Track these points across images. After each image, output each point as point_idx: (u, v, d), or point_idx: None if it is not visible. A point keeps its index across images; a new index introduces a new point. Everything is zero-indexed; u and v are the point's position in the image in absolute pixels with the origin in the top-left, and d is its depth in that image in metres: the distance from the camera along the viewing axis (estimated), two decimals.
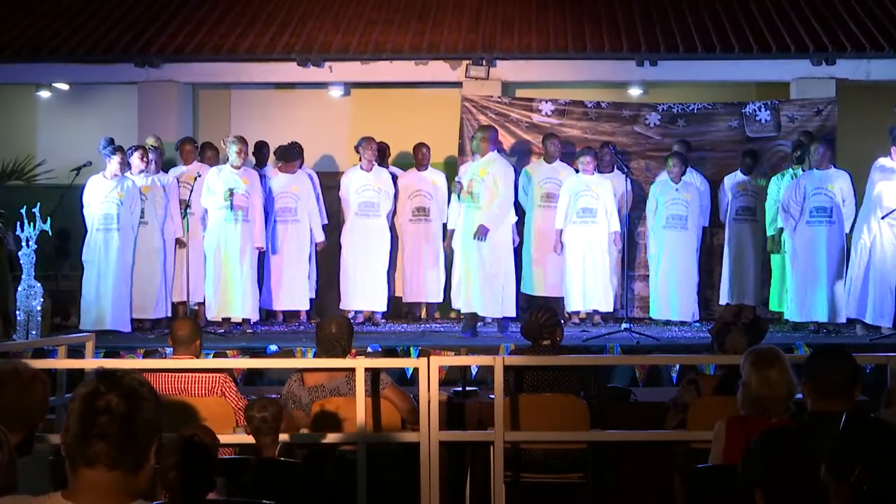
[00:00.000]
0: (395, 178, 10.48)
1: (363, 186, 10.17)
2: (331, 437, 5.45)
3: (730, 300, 10.26)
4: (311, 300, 10.29)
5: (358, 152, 10.29)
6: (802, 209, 9.31)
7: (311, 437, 5.42)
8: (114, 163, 9.45)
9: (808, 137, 10.13)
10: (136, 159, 9.69)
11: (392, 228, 10.41)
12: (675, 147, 10.44)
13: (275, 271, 10.08)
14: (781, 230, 9.76)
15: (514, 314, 9.13)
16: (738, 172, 10.42)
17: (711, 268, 10.57)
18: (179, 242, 9.81)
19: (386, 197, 10.21)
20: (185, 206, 9.57)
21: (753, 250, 10.33)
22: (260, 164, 10.35)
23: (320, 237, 10.20)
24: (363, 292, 10.10)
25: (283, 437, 5.02)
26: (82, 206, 9.55)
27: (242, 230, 9.55)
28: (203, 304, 9.86)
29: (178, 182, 10.07)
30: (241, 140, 9.66)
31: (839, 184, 9.33)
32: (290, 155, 10.14)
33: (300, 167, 10.33)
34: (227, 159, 9.73)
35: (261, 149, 10.45)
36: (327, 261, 10.48)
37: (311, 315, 10.27)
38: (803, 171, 9.70)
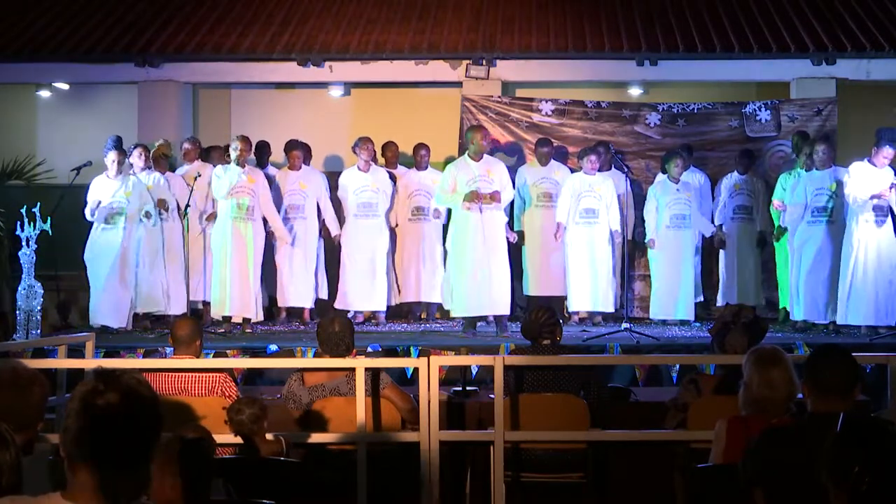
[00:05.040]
0: (393, 177, 10.47)
1: (362, 187, 10.16)
2: (331, 437, 5.46)
3: (728, 300, 10.25)
4: (316, 299, 10.26)
5: (355, 153, 10.29)
6: (805, 208, 9.31)
7: (311, 437, 5.42)
8: (108, 160, 9.44)
9: (804, 138, 10.10)
10: (136, 158, 9.70)
11: (391, 228, 10.40)
12: (678, 150, 10.41)
13: (282, 268, 10.07)
14: (784, 229, 9.75)
15: (508, 312, 9.08)
16: (735, 172, 10.42)
17: (711, 267, 10.57)
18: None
19: (384, 197, 10.21)
20: (186, 206, 9.56)
21: (751, 249, 10.33)
22: (261, 164, 10.34)
23: (336, 230, 10.11)
24: (363, 292, 10.09)
25: (269, 435, 5.00)
26: (85, 204, 9.51)
27: (247, 229, 9.53)
28: (206, 302, 9.86)
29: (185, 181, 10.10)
30: (243, 139, 9.63)
31: (839, 183, 9.32)
32: (289, 146, 10.18)
33: (307, 164, 10.35)
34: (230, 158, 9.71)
35: (261, 149, 10.44)
36: (328, 261, 10.47)
37: (314, 314, 10.26)
38: (802, 171, 9.70)
